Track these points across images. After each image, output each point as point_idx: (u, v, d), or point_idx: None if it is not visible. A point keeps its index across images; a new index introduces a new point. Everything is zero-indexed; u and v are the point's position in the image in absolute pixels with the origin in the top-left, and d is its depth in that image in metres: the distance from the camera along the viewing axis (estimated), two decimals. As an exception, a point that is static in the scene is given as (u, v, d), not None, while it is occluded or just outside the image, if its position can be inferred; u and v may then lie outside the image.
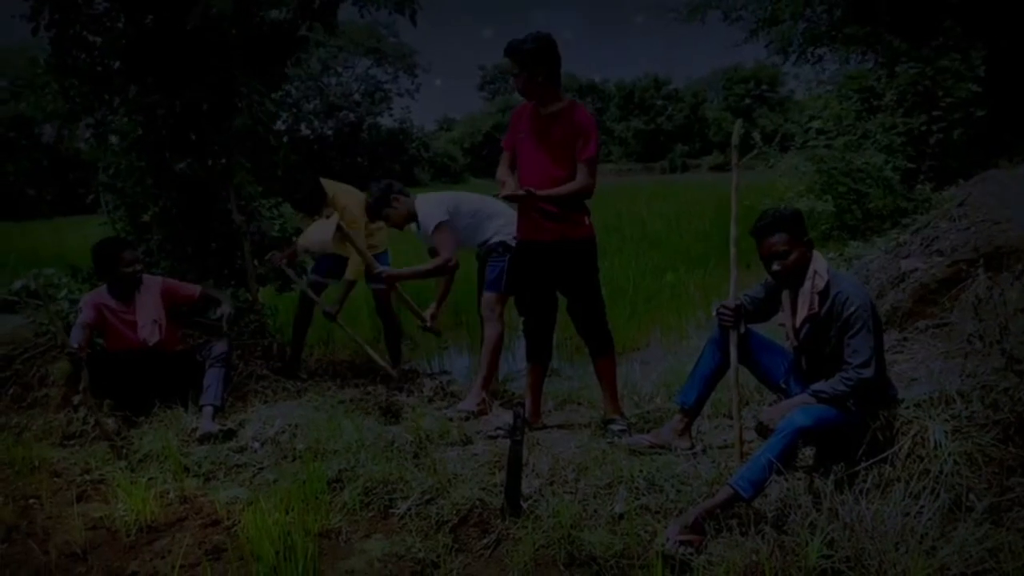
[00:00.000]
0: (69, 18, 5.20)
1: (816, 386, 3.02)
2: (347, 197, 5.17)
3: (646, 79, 58.02)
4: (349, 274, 5.23)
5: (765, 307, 3.37)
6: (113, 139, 5.77)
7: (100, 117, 5.70)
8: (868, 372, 2.94)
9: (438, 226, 4.51)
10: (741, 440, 3.19)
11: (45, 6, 5.10)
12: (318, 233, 5.03)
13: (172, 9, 5.10)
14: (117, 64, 5.37)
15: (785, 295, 3.22)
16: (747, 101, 53.20)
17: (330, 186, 5.28)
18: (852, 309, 2.98)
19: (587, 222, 3.94)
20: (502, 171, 3.99)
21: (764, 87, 54.75)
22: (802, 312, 3.12)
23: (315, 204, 5.23)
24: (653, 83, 57.82)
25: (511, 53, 3.83)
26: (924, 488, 2.71)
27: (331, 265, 5.43)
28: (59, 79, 5.57)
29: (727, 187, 3.29)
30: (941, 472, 2.76)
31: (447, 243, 4.54)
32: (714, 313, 3.43)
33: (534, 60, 3.79)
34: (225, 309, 4.67)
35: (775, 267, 3.10)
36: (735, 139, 3.26)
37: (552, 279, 3.98)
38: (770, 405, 3.62)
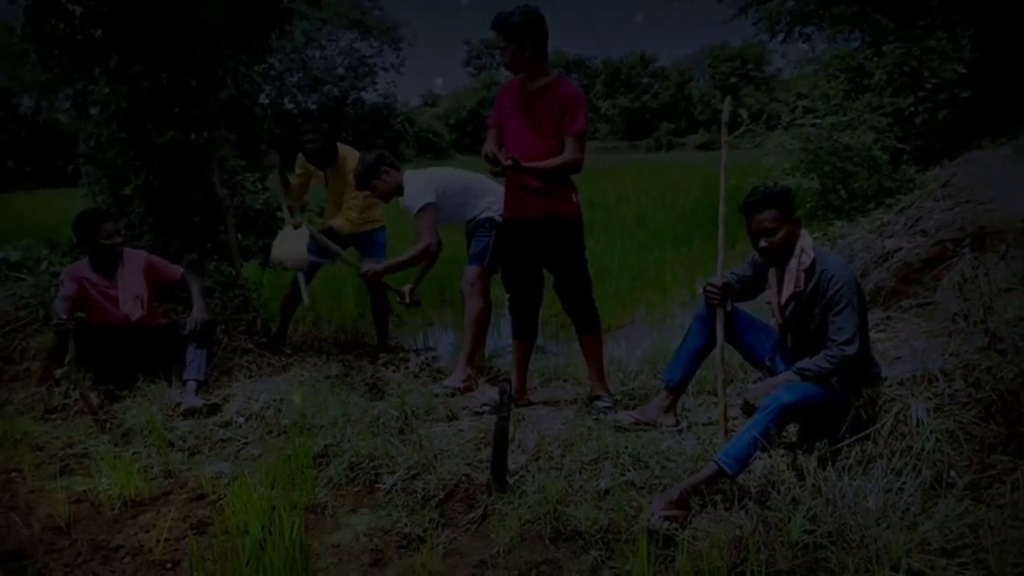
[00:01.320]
0: (47, -15, 5.10)
1: (800, 364, 3.04)
2: (354, 158, 5.13)
3: (632, 56, 57.79)
4: (335, 224, 5.23)
5: (751, 285, 3.38)
6: (94, 110, 5.68)
7: (80, 87, 5.62)
8: (852, 349, 2.96)
9: (422, 208, 4.41)
10: (726, 417, 3.21)
11: (23, -27, 4.99)
12: (292, 248, 4.89)
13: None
14: (98, 33, 5.27)
15: (772, 273, 3.23)
16: (733, 80, 53.09)
17: (340, 147, 5.26)
18: (837, 287, 2.99)
19: (574, 199, 3.92)
20: (489, 146, 3.94)
21: (750, 66, 54.68)
22: (788, 289, 3.13)
23: (328, 157, 5.19)
24: (639, 60, 57.61)
25: (498, 26, 3.78)
26: (906, 465, 2.74)
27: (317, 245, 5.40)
28: (37, 48, 5.46)
29: (712, 166, 3.30)
30: (923, 449, 2.79)
31: (429, 227, 4.44)
32: (701, 291, 3.45)
33: (522, 33, 3.76)
34: (196, 317, 4.40)
35: (763, 244, 3.11)
36: (725, 116, 3.25)
37: (538, 256, 3.97)
38: (754, 383, 3.65)
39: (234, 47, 5.22)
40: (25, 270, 4.94)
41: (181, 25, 5.05)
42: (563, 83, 3.89)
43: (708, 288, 3.33)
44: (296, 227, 4.93)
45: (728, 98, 3.39)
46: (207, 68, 5.16)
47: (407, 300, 4.99)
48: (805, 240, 3.12)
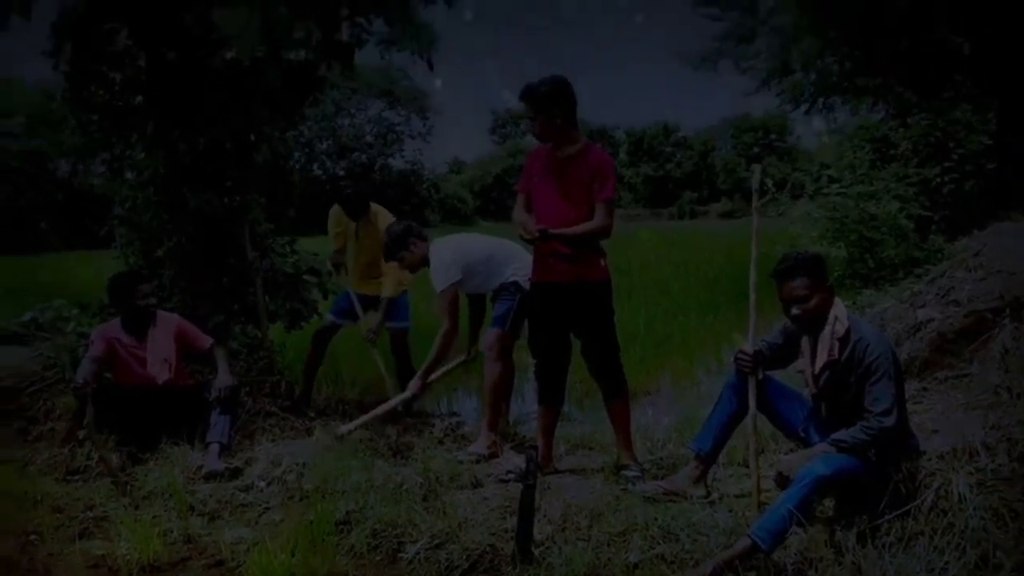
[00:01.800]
0: (90, 54, 5.27)
1: (836, 435, 2.96)
2: (387, 219, 5.21)
3: (655, 126, 58.54)
4: (386, 292, 5.28)
5: (783, 353, 3.32)
6: (129, 174, 5.81)
7: (116, 152, 5.76)
8: (890, 420, 2.88)
9: (442, 292, 4.39)
10: (759, 489, 3.12)
11: (67, 42, 5.17)
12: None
13: (194, 48, 5.17)
14: (137, 100, 5.43)
15: (805, 341, 3.17)
16: (755, 150, 53.50)
17: (372, 204, 5.39)
18: (874, 356, 2.93)
19: (603, 264, 3.91)
20: (519, 213, 3.96)
21: (773, 136, 55.14)
22: (822, 358, 3.07)
23: (361, 208, 5.31)
24: (662, 130, 58.31)
25: (527, 98, 3.83)
26: (949, 543, 2.64)
27: (347, 307, 5.43)
28: (75, 114, 5.63)
29: (736, 234, 3.34)
30: (966, 527, 2.69)
31: (450, 310, 4.40)
32: (731, 359, 3.39)
33: (550, 103, 3.80)
34: (221, 383, 4.40)
35: (795, 311, 3.06)
36: (755, 183, 3.25)
37: (567, 321, 3.94)
38: (787, 454, 3.56)
39: (271, 114, 5.34)
40: (53, 330, 4.98)
41: (218, 92, 5.19)
42: (592, 150, 3.92)
43: (739, 356, 3.27)
44: (340, 437, 4.58)
45: (756, 166, 3.39)
46: (243, 133, 5.28)
47: (469, 357, 5.01)
48: (839, 308, 3.07)
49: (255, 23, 4.51)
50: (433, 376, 4.76)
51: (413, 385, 4.68)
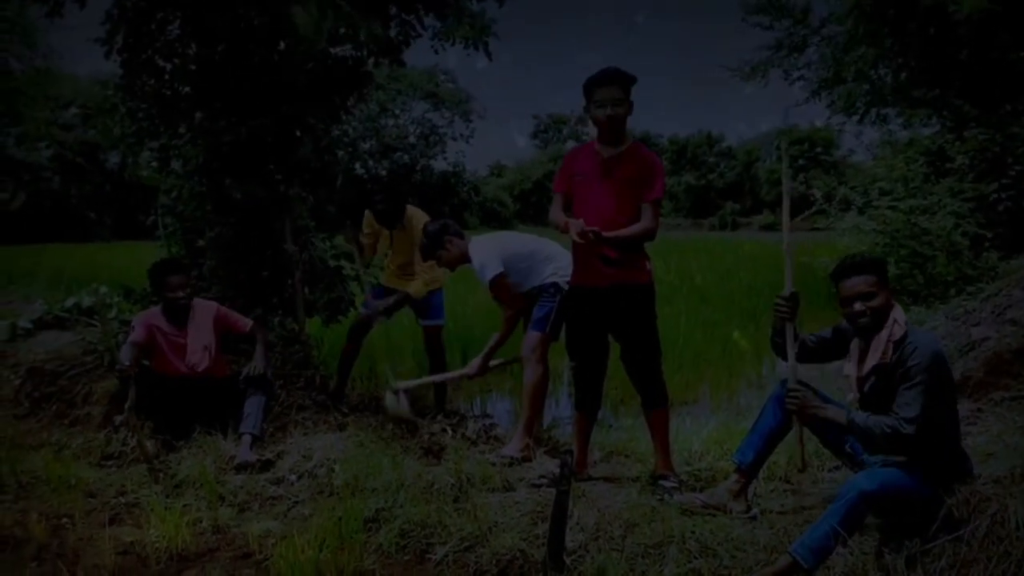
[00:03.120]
0: (141, 43, 5.32)
1: (856, 413, 2.90)
2: (421, 220, 5.16)
3: (699, 135, 58.08)
4: (412, 289, 5.23)
5: (827, 348, 3.22)
6: (176, 164, 5.85)
7: (164, 142, 5.80)
8: (909, 429, 2.76)
9: (493, 280, 4.38)
10: (802, 442, 3.14)
11: (120, 30, 5.22)
12: (396, 407, 4.84)
13: (244, 39, 5.19)
14: (186, 90, 5.47)
15: (854, 344, 3.05)
16: (801, 162, 52.79)
17: (408, 208, 5.32)
18: (917, 360, 2.80)
19: (648, 267, 3.81)
20: (556, 214, 3.85)
21: (819, 149, 54.33)
22: (872, 359, 2.95)
23: (395, 217, 5.23)
24: (706, 139, 57.84)
25: (619, 79, 3.67)
26: (1005, 572, 2.49)
27: (379, 297, 5.40)
28: (126, 101, 5.69)
29: (779, 246, 3.23)
30: (1023, 556, 2.54)
31: (508, 295, 4.43)
32: (777, 379, 3.30)
33: (630, 90, 3.71)
34: (255, 364, 4.48)
35: (858, 307, 2.93)
36: (786, 187, 3.23)
37: (608, 325, 3.85)
38: (831, 471, 3.44)
39: (316, 108, 5.34)
40: (95, 316, 5.02)
41: (264, 84, 5.20)
42: (641, 149, 3.81)
43: (778, 301, 3.18)
44: (395, 392, 4.86)
45: (787, 171, 3.29)
46: (286, 125, 5.28)
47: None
48: (898, 312, 2.95)
49: (328, 20, 4.53)
50: (494, 363, 4.84)
51: (474, 364, 4.79)
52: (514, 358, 4.90)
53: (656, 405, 3.88)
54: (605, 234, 3.56)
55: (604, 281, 3.73)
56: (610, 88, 3.66)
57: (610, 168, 3.73)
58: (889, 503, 2.77)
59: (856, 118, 13.84)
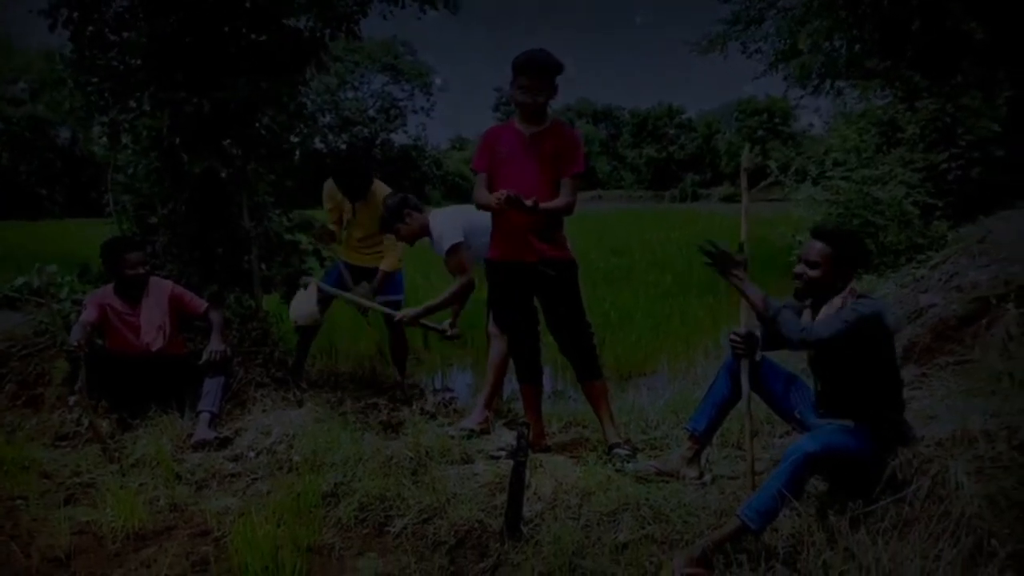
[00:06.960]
0: (88, 15, 5.17)
1: (773, 300, 2.99)
2: (383, 192, 5.10)
3: (660, 107, 58.24)
4: (386, 265, 5.18)
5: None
6: (126, 139, 5.71)
7: (113, 116, 5.65)
8: (811, 340, 2.85)
9: (452, 248, 4.41)
10: (753, 471, 3.07)
11: (63, 3, 5.07)
12: (304, 306, 4.97)
13: (196, 12, 5.06)
14: (137, 62, 5.32)
15: (806, 313, 3.10)
16: (760, 133, 53.22)
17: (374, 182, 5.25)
18: (855, 307, 2.85)
19: (567, 243, 3.89)
20: (481, 193, 3.81)
21: (777, 120, 54.83)
22: None
23: (361, 189, 5.14)
24: (667, 111, 58.03)
25: (540, 67, 3.68)
26: (944, 530, 2.58)
27: (337, 279, 5.34)
28: (76, 76, 5.53)
29: (738, 216, 3.23)
30: (962, 515, 2.63)
31: (463, 264, 4.44)
32: (726, 341, 3.33)
33: (554, 76, 3.73)
34: (213, 348, 4.38)
35: (798, 269, 3.00)
36: (744, 162, 3.20)
37: (532, 297, 3.92)
38: (781, 437, 3.51)
39: (274, 79, 5.24)
40: (46, 296, 4.92)
41: (223, 56, 5.09)
42: (563, 126, 3.88)
43: (732, 338, 3.22)
44: (304, 286, 4.96)
45: (747, 145, 3.34)
46: (248, 98, 5.17)
47: (449, 333, 4.99)
48: (852, 292, 2.97)
49: None
50: (425, 321, 4.80)
51: (408, 312, 4.67)
52: (439, 327, 4.95)
53: (591, 375, 3.95)
54: (526, 201, 3.53)
55: (532, 256, 3.77)
56: (532, 77, 3.67)
57: (533, 145, 3.75)
58: (833, 464, 2.83)
59: (811, 90, 13.99)
